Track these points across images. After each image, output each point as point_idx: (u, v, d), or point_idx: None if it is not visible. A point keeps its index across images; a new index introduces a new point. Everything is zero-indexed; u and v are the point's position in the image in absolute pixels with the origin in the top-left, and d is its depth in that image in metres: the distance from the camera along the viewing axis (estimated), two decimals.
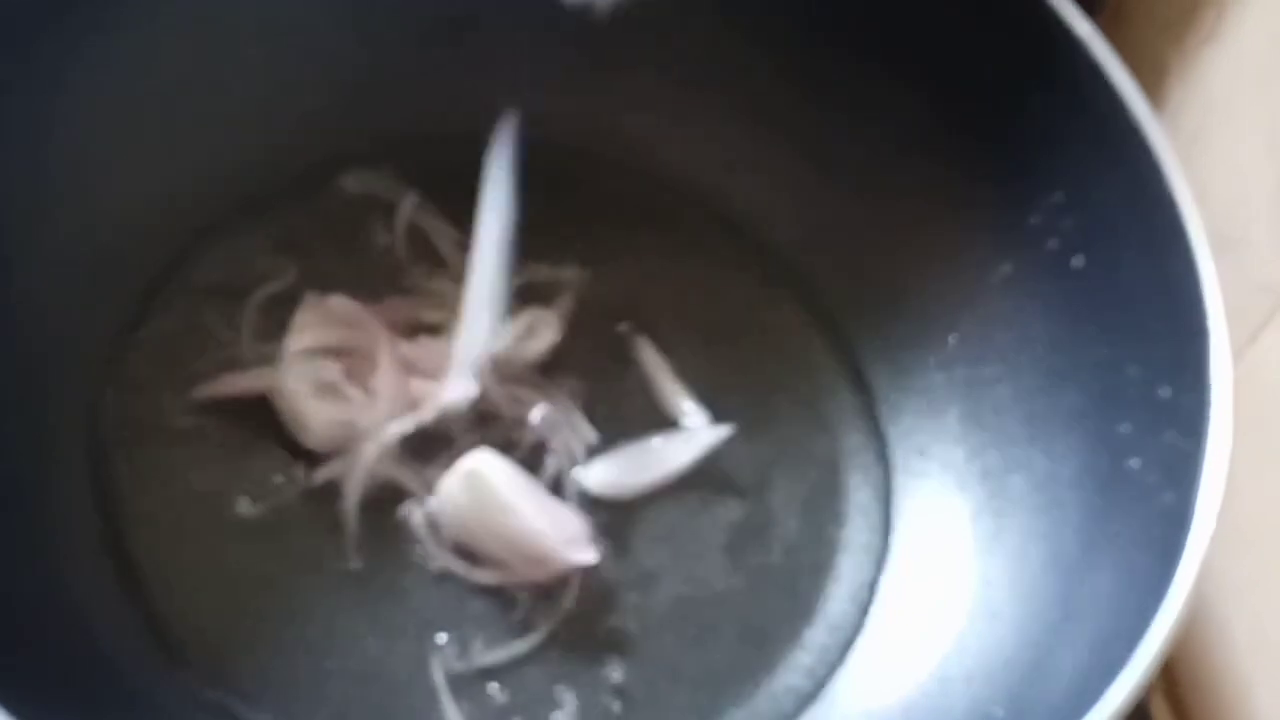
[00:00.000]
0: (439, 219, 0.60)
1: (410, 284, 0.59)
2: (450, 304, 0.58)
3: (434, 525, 0.54)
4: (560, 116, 0.61)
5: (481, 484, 0.53)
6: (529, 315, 0.58)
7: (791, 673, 0.55)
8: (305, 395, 0.55)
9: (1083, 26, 0.52)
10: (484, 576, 0.54)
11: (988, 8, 0.54)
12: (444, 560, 0.54)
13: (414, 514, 0.54)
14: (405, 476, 0.55)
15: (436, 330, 0.58)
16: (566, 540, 0.54)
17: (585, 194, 0.61)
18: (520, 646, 0.53)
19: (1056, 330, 0.55)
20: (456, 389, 0.55)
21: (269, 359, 0.56)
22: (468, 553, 0.54)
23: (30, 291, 0.53)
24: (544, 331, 0.58)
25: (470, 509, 0.53)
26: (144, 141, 0.56)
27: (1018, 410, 0.56)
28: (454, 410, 0.55)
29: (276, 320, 0.56)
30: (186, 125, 0.57)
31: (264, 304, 0.57)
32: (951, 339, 0.58)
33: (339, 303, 0.57)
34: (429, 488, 0.54)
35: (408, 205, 0.60)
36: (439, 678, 0.52)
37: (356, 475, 0.54)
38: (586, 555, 0.54)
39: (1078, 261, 0.53)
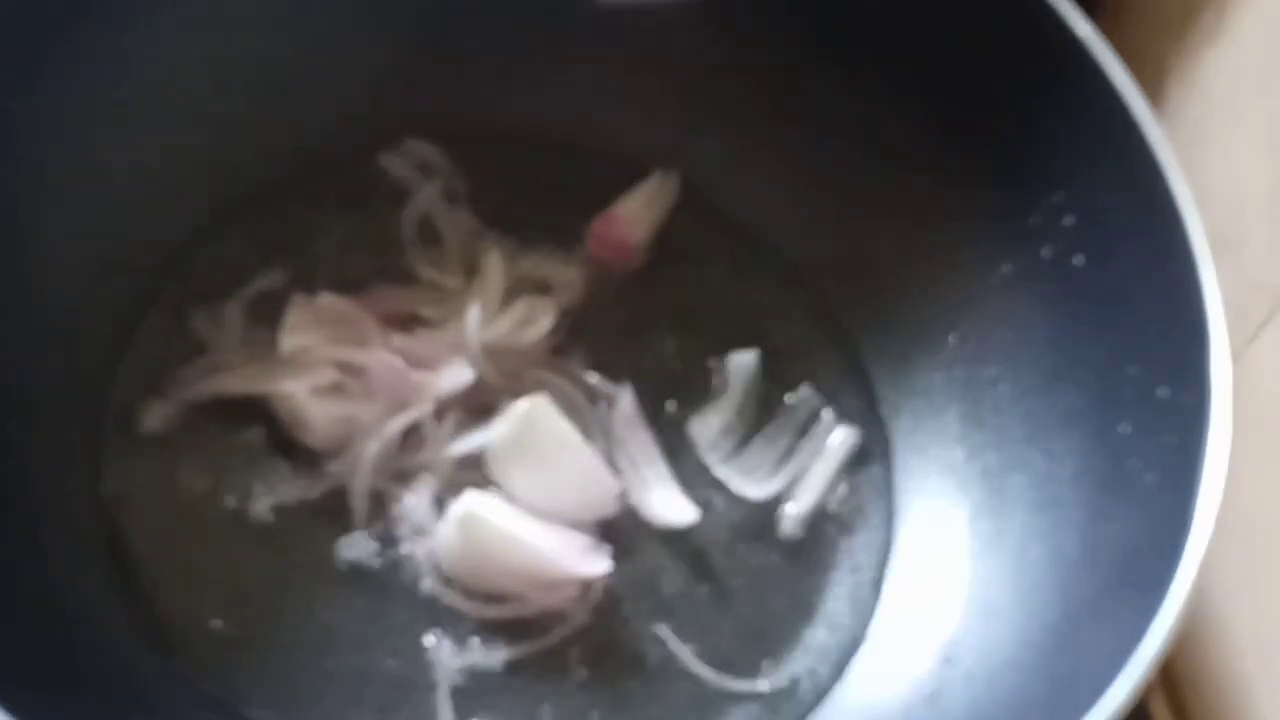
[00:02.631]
0: (454, 209, 0.60)
1: (406, 275, 0.59)
2: (446, 295, 0.58)
3: (438, 570, 0.54)
4: (562, 116, 0.62)
5: (480, 524, 0.53)
6: (526, 304, 0.58)
7: (792, 673, 0.55)
8: (304, 396, 0.55)
9: (1083, 27, 0.52)
10: (495, 612, 0.53)
11: (988, 9, 0.53)
12: (454, 602, 0.53)
13: (417, 556, 0.54)
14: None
15: (431, 323, 0.58)
16: (579, 553, 0.54)
17: (585, 194, 0.61)
18: (519, 648, 0.53)
19: (1056, 330, 0.55)
20: (453, 378, 0.55)
21: (263, 359, 0.56)
22: (475, 592, 0.54)
23: (30, 291, 0.53)
24: (540, 319, 0.58)
25: (474, 552, 0.53)
26: (141, 140, 0.56)
27: (1017, 410, 0.56)
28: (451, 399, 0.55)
29: (270, 319, 0.56)
30: (183, 123, 0.57)
31: (257, 303, 0.57)
32: (951, 339, 0.58)
33: (328, 300, 0.57)
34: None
35: (426, 193, 0.60)
36: (438, 678, 0.52)
37: (362, 471, 0.54)
38: (601, 565, 0.54)
39: (1078, 261, 0.53)
